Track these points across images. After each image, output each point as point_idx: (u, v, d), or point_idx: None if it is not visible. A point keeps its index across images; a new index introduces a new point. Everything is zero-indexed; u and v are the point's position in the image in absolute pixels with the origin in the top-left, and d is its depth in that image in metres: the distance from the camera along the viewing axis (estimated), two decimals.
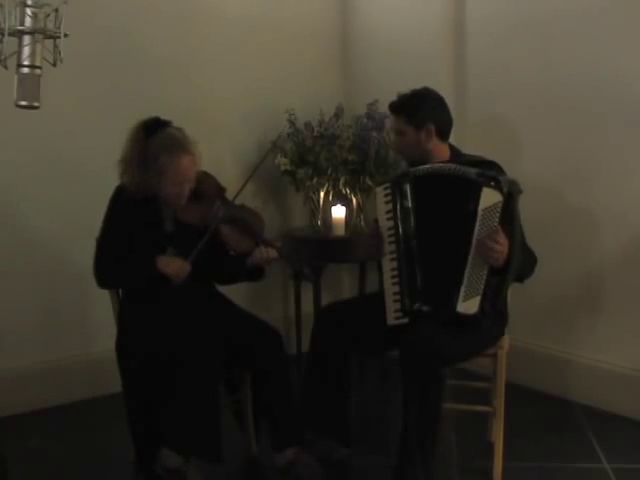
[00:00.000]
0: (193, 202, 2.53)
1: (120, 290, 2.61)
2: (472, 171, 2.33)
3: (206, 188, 2.57)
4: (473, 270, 2.30)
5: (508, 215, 2.29)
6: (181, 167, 2.44)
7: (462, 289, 2.31)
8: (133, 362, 2.45)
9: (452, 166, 2.42)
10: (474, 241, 2.29)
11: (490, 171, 2.34)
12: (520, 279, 2.50)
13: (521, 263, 2.37)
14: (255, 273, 2.65)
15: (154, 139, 2.45)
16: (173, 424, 2.35)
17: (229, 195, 2.64)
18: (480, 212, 2.28)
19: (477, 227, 2.29)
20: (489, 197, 2.28)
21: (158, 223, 2.55)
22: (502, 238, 2.26)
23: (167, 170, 2.43)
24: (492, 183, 2.28)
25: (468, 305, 2.31)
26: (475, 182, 2.30)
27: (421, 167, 2.46)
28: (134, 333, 2.48)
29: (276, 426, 2.55)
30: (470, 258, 2.30)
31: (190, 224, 2.52)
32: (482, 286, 2.30)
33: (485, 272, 2.31)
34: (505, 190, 2.28)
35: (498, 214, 2.27)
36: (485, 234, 2.27)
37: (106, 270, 2.50)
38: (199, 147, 2.51)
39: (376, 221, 2.54)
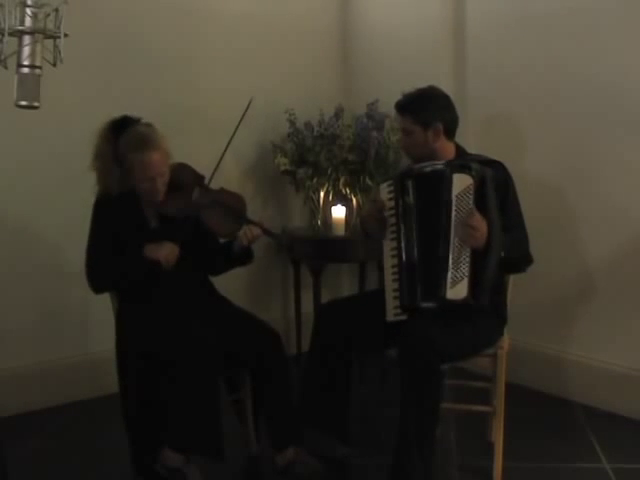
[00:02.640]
0: (172, 194, 2.55)
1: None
2: (441, 162, 2.43)
3: (183, 178, 2.59)
4: (455, 255, 2.32)
5: (482, 196, 2.34)
6: (148, 163, 2.45)
7: (448, 275, 2.33)
8: (132, 362, 2.45)
9: (430, 162, 2.47)
10: (453, 226, 2.33)
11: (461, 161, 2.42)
12: (511, 269, 2.51)
13: (505, 244, 2.38)
14: (244, 257, 2.66)
15: (122, 138, 2.48)
16: (173, 423, 2.36)
17: (223, 183, 2.67)
18: (454, 197, 2.34)
19: (454, 212, 2.34)
20: (460, 182, 2.35)
21: (143, 222, 2.57)
22: (478, 218, 2.29)
23: (135, 167, 2.45)
24: (461, 169, 2.35)
25: (456, 291, 2.32)
26: (445, 171, 2.37)
27: (423, 164, 2.47)
28: (133, 333, 2.48)
29: (276, 426, 2.56)
30: (451, 243, 2.33)
31: (173, 216, 2.54)
32: (467, 269, 2.32)
33: (468, 255, 2.33)
34: (474, 173, 2.33)
35: (472, 196, 2.32)
36: (462, 217, 2.32)
37: (99, 274, 2.50)
38: (167, 141, 2.51)
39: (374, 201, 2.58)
